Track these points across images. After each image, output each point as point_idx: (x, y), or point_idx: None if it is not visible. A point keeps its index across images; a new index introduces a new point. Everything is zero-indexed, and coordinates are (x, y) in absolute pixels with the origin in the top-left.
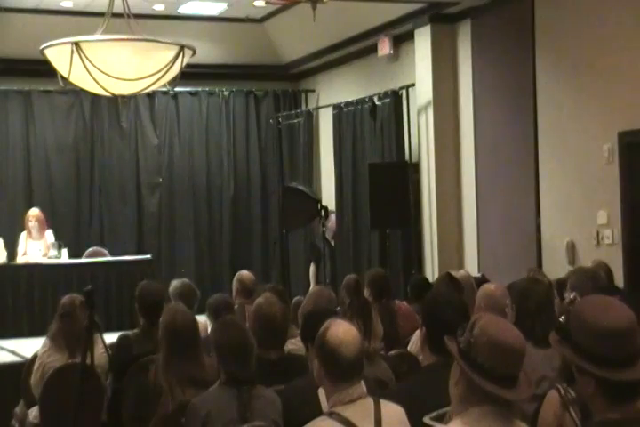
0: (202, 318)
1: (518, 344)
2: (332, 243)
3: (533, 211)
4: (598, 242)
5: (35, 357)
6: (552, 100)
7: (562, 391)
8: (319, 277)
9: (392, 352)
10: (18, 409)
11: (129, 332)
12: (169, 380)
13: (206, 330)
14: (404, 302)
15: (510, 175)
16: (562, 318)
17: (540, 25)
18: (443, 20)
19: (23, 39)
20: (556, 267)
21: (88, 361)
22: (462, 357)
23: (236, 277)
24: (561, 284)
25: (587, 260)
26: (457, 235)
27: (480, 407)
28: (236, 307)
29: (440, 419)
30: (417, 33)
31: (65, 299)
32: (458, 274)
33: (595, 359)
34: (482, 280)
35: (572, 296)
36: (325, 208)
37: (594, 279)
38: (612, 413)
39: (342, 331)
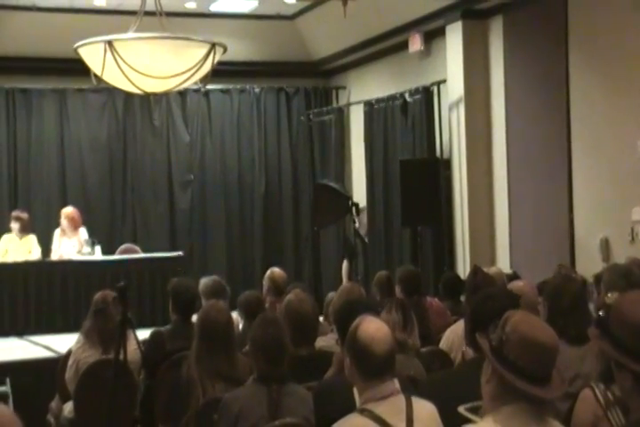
0: (233, 315)
1: (551, 342)
2: (366, 239)
3: (566, 207)
4: (633, 238)
5: (69, 353)
6: (585, 96)
7: (596, 391)
8: (351, 273)
9: (424, 349)
10: (53, 404)
11: (162, 328)
12: (200, 373)
13: (237, 327)
14: (436, 299)
15: (543, 171)
16: (601, 312)
17: (573, 21)
18: (474, 16)
19: (57, 38)
20: (589, 264)
21: (121, 357)
22: (494, 354)
23: (267, 275)
24: (599, 279)
25: (621, 257)
26: (489, 232)
27: (512, 405)
28: (266, 305)
29: (475, 411)
30: (448, 29)
31: (98, 295)
32: (490, 271)
33: (633, 354)
34: (514, 277)
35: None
36: (356, 205)
37: (627, 276)
38: None
39: (373, 328)
